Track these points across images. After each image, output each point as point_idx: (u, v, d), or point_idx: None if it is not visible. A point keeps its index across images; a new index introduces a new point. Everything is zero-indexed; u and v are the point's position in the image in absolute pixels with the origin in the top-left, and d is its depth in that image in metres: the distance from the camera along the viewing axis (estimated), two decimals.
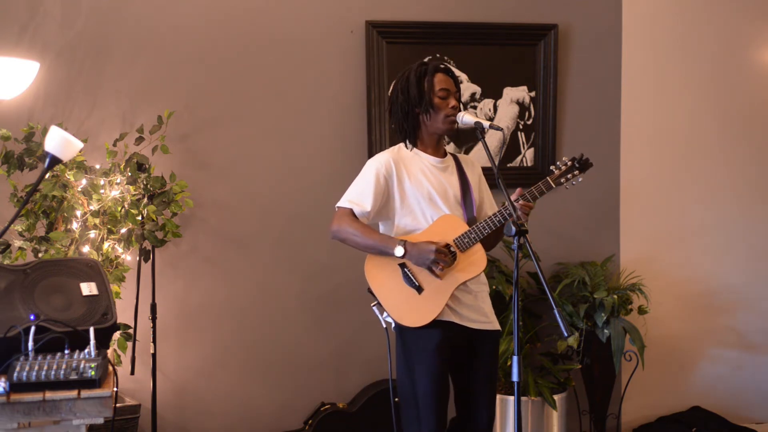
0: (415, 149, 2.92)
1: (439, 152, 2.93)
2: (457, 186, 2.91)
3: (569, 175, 2.82)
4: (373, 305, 2.84)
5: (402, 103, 2.88)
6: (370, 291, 2.85)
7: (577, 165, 2.82)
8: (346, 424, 3.87)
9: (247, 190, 3.94)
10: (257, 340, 3.97)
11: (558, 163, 2.85)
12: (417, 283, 2.79)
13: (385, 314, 2.81)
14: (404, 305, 2.80)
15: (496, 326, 2.93)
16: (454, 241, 2.80)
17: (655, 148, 4.36)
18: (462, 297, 2.83)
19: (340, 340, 4.05)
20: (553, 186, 2.81)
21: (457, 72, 4.04)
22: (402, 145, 2.95)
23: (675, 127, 4.38)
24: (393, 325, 2.83)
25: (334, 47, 3.98)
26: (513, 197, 2.77)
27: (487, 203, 3.02)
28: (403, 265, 2.81)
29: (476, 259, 2.80)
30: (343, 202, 2.88)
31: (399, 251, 2.75)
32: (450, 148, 3.95)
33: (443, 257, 2.73)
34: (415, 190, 2.85)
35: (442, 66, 2.89)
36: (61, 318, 2.28)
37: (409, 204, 2.86)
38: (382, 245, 2.79)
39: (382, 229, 2.96)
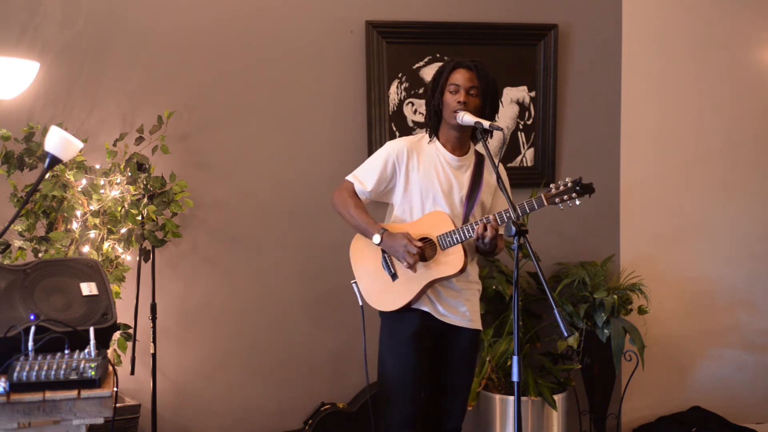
0: (436, 142, 2.94)
1: (459, 150, 2.93)
2: (467, 185, 2.91)
3: (565, 197, 2.69)
4: (353, 282, 2.92)
5: (428, 97, 2.96)
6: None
7: (577, 188, 2.68)
8: (346, 424, 3.86)
9: (247, 190, 3.94)
10: (257, 340, 3.97)
11: (558, 182, 2.74)
12: (393, 270, 2.85)
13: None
14: (376, 288, 2.88)
15: (476, 326, 2.93)
16: (437, 237, 2.81)
17: (655, 147, 4.36)
18: (444, 292, 2.87)
19: (340, 340, 4.04)
20: (545, 204, 2.70)
21: None
22: (425, 135, 2.97)
23: (675, 127, 4.38)
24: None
25: (334, 47, 3.97)
26: (480, 230, 2.73)
27: (498, 210, 2.95)
28: (384, 251, 2.86)
29: (452, 259, 2.80)
30: (351, 176, 2.96)
31: (376, 239, 2.83)
32: None
33: (410, 254, 2.75)
34: (421, 182, 2.88)
35: (468, 63, 2.89)
36: (61, 318, 2.28)
37: (410, 194, 2.90)
38: (365, 228, 2.87)
39: (388, 209, 3.01)
